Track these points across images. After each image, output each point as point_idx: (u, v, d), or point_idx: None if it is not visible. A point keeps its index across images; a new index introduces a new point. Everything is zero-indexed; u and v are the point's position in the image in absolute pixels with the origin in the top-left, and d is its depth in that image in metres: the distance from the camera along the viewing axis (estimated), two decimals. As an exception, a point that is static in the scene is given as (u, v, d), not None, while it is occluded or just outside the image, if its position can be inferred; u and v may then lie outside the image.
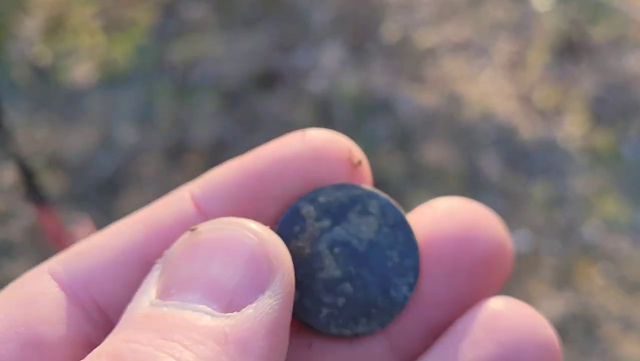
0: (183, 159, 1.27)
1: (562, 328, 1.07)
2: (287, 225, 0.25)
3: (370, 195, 0.26)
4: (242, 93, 1.34)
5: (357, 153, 0.27)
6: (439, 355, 0.23)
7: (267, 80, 1.36)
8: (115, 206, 1.21)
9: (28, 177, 1.04)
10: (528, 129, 1.26)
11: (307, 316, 0.25)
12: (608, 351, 1.02)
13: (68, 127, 1.33)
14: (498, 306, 0.24)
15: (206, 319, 0.18)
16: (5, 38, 1.48)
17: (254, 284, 0.20)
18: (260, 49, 1.42)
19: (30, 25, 1.51)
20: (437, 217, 0.26)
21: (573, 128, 1.26)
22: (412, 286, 0.25)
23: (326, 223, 0.26)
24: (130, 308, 0.20)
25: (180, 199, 0.24)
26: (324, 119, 1.27)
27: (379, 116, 1.29)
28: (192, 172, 1.24)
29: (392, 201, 0.26)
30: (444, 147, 1.23)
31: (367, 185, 0.27)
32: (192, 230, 0.21)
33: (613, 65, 1.34)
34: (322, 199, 0.26)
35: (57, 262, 0.22)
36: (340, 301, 0.25)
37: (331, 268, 0.25)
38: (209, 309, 0.19)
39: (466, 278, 0.25)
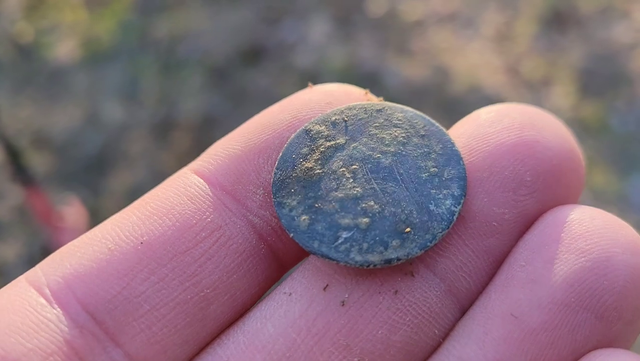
0: (170, 136, 1.26)
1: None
2: (292, 148, 0.22)
3: (394, 108, 0.22)
4: (228, 68, 1.33)
5: (374, 97, 0.24)
6: (506, 285, 0.20)
7: (254, 54, 1.35)
8: (103, 184, 1.20)
9: (14, 157, 1.03)
10: (516, 101, 1.26)
11: (320, 243, 0.20)
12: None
13: (53, 105, 1.32)
14: (568, 214, 0.20)
15: None
16: (-14, 15, 1.45)
17: None
18: (246, 23, 1.40)
19: (11, 1, 1.48)
20: (484, 124, 0.22)
21: (561, 100, 1.27)
22: (458, 199, 0.20)
23: (340, 140, 0.22)
24: None
25: (181, 176, 0.22)
26: (312, 93, 1.26)
27: (367, 89, 1.29)
28: (180, 148, 1.23)
29: (422, 113, 0.22)
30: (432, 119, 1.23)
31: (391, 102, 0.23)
32: None
33: (600, 35, 1.34)
34: (335, 118, 0.22)
35: (38, 267, 0.21)
36: (363, 221, 0.20)
37: (347, 187, 0.21)
38: None
39: (530, 193, 0.21)
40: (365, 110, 0.22)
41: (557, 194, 0.21)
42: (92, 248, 0.21)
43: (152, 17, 1.43)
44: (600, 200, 1.15)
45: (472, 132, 0.21)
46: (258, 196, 0.22)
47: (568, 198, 0.21)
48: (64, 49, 1.40)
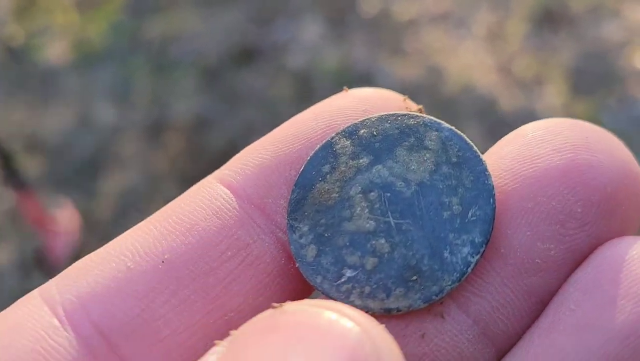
0: (163, 137, 1.25)
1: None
2: (315, 164, 0.20)
3: (430, 125, 0.20)
4: (221, 69, 1.33)
5: (413, 103, 0.21)
6: (552, 330, 0.17)
7: (247, 55, 1.35)
8: (96, 187, 1.20)
9: (6, 160, 1.03)
10: (508, 100, 1.27)
11: (323, 280, 0.19)
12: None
13: (45, 108, 1.31)
14: (627, 249, 0.17)
15: None
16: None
17: None
18: (239, 24, 1.40)
19: (1, 3, 1.47)
20: (531, 143, 0.19)
21: (553, 98, 1.27)
22: (478, 248, 0.18)
23: (364, 160, 0.20)
24: None
25: (206, 186, 0.21)
26: (305, 94, 1.26)
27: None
28: (173, 150, 1.22)
29: (459, 133, 0.20)
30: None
31: (427, 115, 0.20)
32: (275, 307, 0.16)
33: (591, 34, 1.35)
34: (363, 132, 0.20)
35: (53, 282, 0.20)
36: (370, 262, 0.18)
37: (362, 218, 0.19)
38: None
39: (580, 225, 0.18)
40: (397, 125, 0.20)
41: (613, 226, 0.18)
42: (109, 265, 0.19)
43: (144, 18, 1.42)
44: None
45: (517, 153, 0.19)
46: None
47: (626, 229, 0.19)
48: (55, 51, 1.39)
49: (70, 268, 0.20)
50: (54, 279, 0.20)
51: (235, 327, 0.18)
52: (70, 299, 0.19)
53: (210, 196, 0.20)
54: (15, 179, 1.04)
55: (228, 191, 0.21)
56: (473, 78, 1.30)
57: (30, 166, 1.22)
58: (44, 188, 1.18)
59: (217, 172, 0.21)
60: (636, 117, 1.22)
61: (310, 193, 0.20)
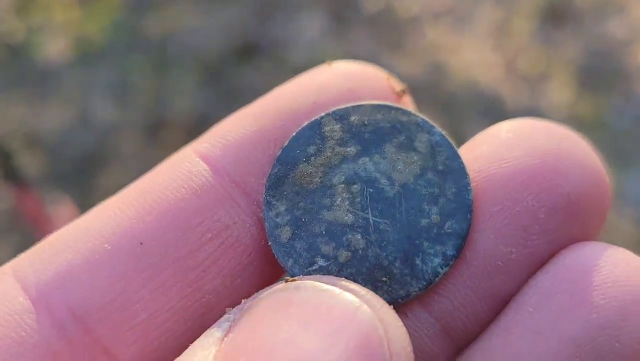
0: (163, 135, 1.24)
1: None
2: (299, 142, 0.20)
3: (422, 126, 0.20)
4: (221, 66, 1.32)
5: (397, 82, 0.21)
6: (509, 332, 0.18)
7: (247, 51, 1.34)
8: (96, 184, 1.19)
9: (5, 158, 1.02)
10: (513, 98, 1.26)
11: (294, 263, 0.19)
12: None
13: (44, 105, 1.30)
14: (587, 256, 0.18)
15: None
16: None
17: None
18: (239, 20, 1.39)
19: (2, 0, 1.46)
20: (503, 146, 0.19)
21: (558, 96, 1.26)
22: (448, 260, 0.18)
23: (352, 149, 0.19)
24: None
25: (185, 160, 0.20)
26: (307, 91, 1.25)
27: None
28: (172, 147, 1.21)
29: (449, 140, 0.20)
30: (428, 117, 1.22)
31: (420, 113, 0.21)
32: (287, 281, 0.16)
33: (597, 31, 1.33)
34: (355, 118, 0.20)
35: (26, 259, 0.19)
36: (344, 255, 0.19)
37: (341, 209, 0.19)
38: None
39: (543, 231, 0.18)
40: (389, 119, 0.20)
41: (575, 232, 0.19)
42: (86, 244, 0.19)
43: (144, 14, 1.42)
44: (598, 197, 1.14)
45: (488, 154, 0.19)
46: None
47: (587, 235, 0.19)
48: (55, 48, 1.38)
49: (44, 242, 0.20)
50: (27, 254, 0.20)
51: (214, 310, 0.18)
52: (45, 280, 0.18)
53: (190, 173, 0.20)
54: (14, 177, 1.03)
55: (207, 167, 0.20)
56: (477, 75, 1.28)
57: (29, 163, 1.21)
58: (43, 185, 1.17)
59: (195, 144, 0.21)
60: (642, 114, 1.21)
61: (292, 172, 0.19)
